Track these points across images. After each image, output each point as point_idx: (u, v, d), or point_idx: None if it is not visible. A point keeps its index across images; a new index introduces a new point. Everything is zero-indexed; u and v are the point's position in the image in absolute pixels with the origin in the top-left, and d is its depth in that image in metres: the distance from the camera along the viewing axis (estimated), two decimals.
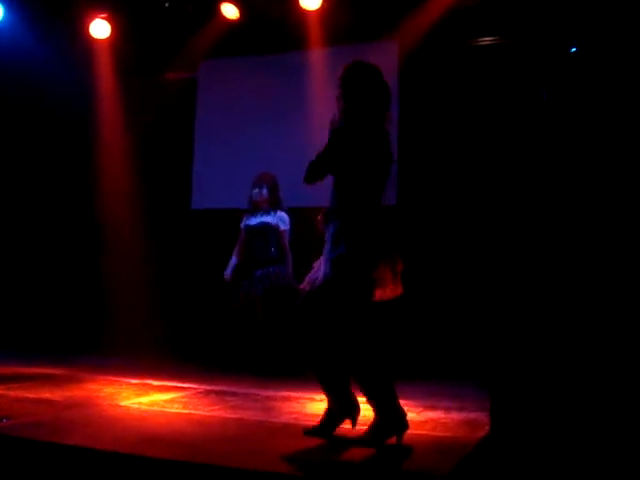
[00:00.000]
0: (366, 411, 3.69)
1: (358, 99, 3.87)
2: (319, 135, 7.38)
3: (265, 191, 6.56)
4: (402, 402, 4.67)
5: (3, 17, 7.73)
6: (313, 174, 3.87)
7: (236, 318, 6.47)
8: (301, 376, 6.03)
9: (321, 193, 7.44)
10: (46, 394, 4.74)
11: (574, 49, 6.39)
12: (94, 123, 8.35)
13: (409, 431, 3.59)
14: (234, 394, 5.06)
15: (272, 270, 6.43)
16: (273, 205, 6.59)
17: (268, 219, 6.54)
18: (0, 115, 8.24)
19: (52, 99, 8.39)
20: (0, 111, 8.26)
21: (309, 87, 7.54)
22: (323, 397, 4.84)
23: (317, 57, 7.61)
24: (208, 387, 5.31)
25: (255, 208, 6.61)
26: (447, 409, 4.56)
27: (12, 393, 4.78)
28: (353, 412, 3.71)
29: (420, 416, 4.30)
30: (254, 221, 6.58)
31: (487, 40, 7.05)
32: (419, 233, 7.17)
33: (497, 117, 6.85)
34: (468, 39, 7.13)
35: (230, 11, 7.43)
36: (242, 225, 6.66)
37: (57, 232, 8.56)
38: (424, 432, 3.83)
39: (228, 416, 4.22)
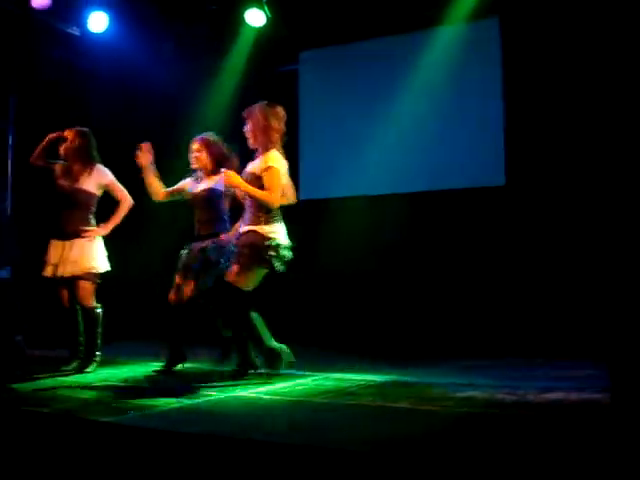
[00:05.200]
0: None
1: None
2: (425, 120, 7.42)
3: None
4: (521, 385, 4.63)
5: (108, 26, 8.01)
6: None
7: None
8: (416, 360, 6.10)
9: (427, 178, 7.45)
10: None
11: None
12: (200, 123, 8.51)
13: (527, 412, 3.68)
14: (349, 380, 5.10)
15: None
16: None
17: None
18: (105, 121, 8.45)
19: (157, 102, 8.61)
20: (107, 119, 8.45)
21: (412, 71, 7.47)
22: (441, 381, 4.87)
23: (417, 39, 7.55)
24: (323, 374, 5.36)
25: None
26: (566, 390, 4.45)
27: (134, 385, 5.03)
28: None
29: (539, 398, 4.22)
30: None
31: (592, 3, 6.70)
32: (530, 215, 7.00)
33: (612, 88, 6.57)
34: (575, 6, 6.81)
35: None
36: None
37: None
38: (544, 414, 3.76)
39: (344, 402, 4.24)
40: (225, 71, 8.34)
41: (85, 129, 5.96)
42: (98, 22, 7.92)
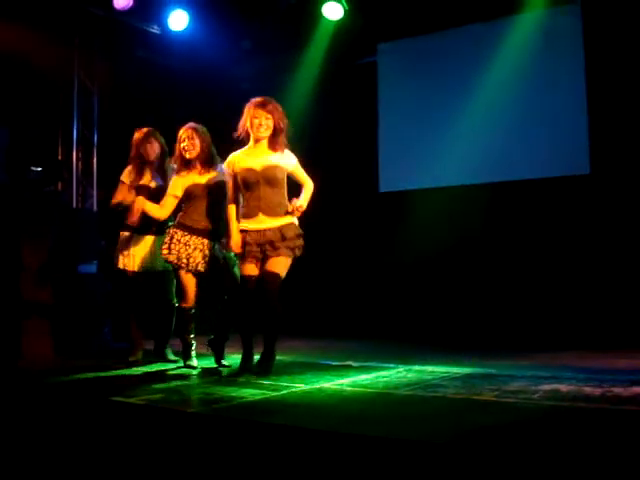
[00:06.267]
0: None
1: None
2: (506, 109, 7.33)
3: None
4: (608, 377, 4.54)
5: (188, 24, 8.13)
6: None
7: None
8: (496, 352, 6.05)
9: (509, 167, 7.35)
10: (253, 377, 4.95)
11: None
12: None
13: (614, 406, 3.62)
14: (432, 372, 5.08)
15: None
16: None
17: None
18: (185, 118, 8.50)
19: (236, 98, 8.68)
20: (187, 116, 8.51)
21: (492, 60, 7.39)
22: (524, 374, 4.81)
23: (496, 28, 7.46)
24: (405, 366, 5.36)
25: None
26: None
27: (217, 376, 5.13)
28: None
29: (627, 391, 4.13)
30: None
31: None
32: (617, 204, 6.83)
33: None
34: None
35: None
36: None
37: None
38: (632, 407, 3.68)
39: (429, 394, 4.24)
40: (304, 65, 8.40)
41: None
42: (178, 20, 8.07)
